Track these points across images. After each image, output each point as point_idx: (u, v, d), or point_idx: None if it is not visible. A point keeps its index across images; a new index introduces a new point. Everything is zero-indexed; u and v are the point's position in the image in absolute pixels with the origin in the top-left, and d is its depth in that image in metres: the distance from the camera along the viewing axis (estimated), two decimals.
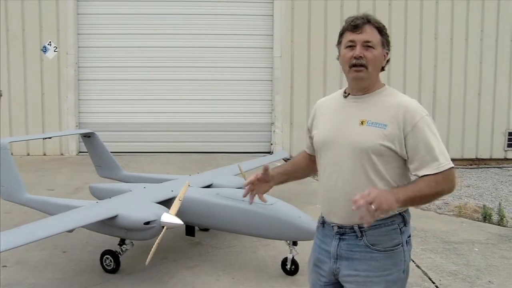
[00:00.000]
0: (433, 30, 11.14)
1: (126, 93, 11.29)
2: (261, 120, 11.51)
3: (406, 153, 2.24)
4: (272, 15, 11.21)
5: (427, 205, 7.39)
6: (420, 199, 2.20)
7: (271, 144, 11.43)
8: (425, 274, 4.82)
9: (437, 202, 7.62)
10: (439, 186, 2.19)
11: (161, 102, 11.34)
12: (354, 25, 2.29)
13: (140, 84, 11.31)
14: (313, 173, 2.70)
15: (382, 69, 2.37)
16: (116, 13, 11.21)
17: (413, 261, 5.09)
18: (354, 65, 2.28)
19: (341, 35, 2.36)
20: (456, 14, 11.10)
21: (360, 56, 2.26)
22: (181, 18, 11.25)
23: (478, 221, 6.74)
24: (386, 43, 2.34)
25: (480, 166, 11.03)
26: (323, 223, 2.47)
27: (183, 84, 11.35)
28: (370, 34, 2.27)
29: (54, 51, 10.99)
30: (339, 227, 2.34)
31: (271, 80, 11.38)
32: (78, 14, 11.10)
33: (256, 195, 2.60)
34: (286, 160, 9.75)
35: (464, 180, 9.47)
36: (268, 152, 11.14)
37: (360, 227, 2.28)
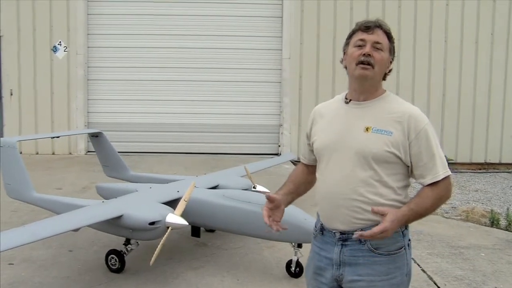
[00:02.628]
0: (443, 32, 11.09)
1: (135, 94, 11.35)
2: (269, 122, 11.51)
3: (410, 160, 2.27)
4: (282, 17, 11.21)
5: None
6: (424, 216, 2.30)
7: (279, 146, 11.43)
8: (431, 278, 4.79)
9: (444, 206, 7.58)
10: (441, 201, 2.29)
11: (169, 102, 11.38)
12: (366, 26, 2.31)
13: (148, 85, 11.37)
14: (314, 184, 2.64)
15: (384, 77, 2.38)
16: (126, 13, 11.27)
17: (419, 265, 5.07)
18: (362, 62, 2.28)
19: (351, 36, 2.37)
20: (466, 16, 11.05)
21: (369, 54, 2.27)
22: (190, 19, 11.30)
23: (485, 226, 6.69)
24: (392, 50, 2.36)
25: (489, 171, 10.95)
26: (321, 230, 2.43)
27: (192, 85, 11.39)
28: (381, 36, 2.30)
29: (64, 51, 11.07)
30: (342, 233, 2.33)
31: (280, 82, 11.39)
32: (88, 14, 11.17)
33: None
34: (293, 162, 9.76)
35: (472, 184, 9.41)
36: (276, 154, 11.14)
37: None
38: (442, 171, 2.26)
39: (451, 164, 11.00)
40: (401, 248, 2.30)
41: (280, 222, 2.46)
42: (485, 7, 11.03)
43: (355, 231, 2.27)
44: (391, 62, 2.37)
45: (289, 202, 2.57)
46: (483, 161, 11.23)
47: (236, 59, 11.40)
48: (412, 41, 10.98)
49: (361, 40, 2.29)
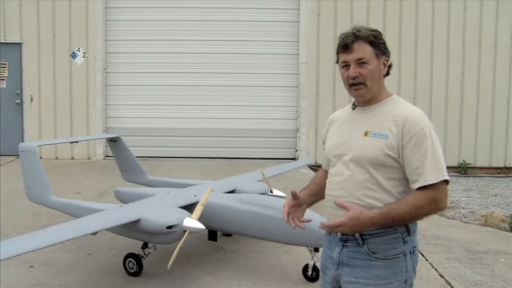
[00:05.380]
0: (461, 36, 10.99)
1: (152, 99, 11.42)
2: (286, 126, 11.51)
3: (403, 163, 2.25)
4: (298, 22, 11.22)
5: (452, 213, 7.29)
6: (400, 223, 2.25)
7: (296, 150, 11.42)
8: (449, 283, 4.75)
9: (463, 210, 7.52)
10: (423, 210, 2.19)
11: (186, 107, 11.44)
12: (343, 46, 2.35)
13: (166, 90, 11.44)
14: None
15: (387, 74, 2.41)
16: (143, 19, 11.36)
17: (436, 270, 5.04)
18: (353, 84, 2.33)
19: (337, 53, 2.42)
20: (484, 19, 10.94)
21: (356, 76, 2.31)
22: (208, 25, 11.35)
23: (505, 231, 6.61)
24: (381, 52, 2.35)
25: (509, 175, 10.81)
26: None
27: (209, 90, 11.43)
28: (360, 51, 2.30)
29: (83, 57, 11.21)
30: (342, 234, 2.35)
31: (297, 87, 11.39)
32: (106, 20, 11.30)
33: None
34: (310, 166, 9.76)
35: (491, 189, 9.31)
36: (293, 159, 11.13)
37: (361, 235, 2.28)
38: (431, 176, 2.17)
39: (470, 169, 10.94)
40: (399, 254, 2.28)
41: (300, 218, 2.48)
42: (504, 9, 10.91)
43: (354, 234, 2.30)
44: (387, 60, 2.38)
45: (311, 203, 2.62)
46: (503, 165, 11.09)
47: (253, 64, 11.41)
48: (430, 44, 10.88)
49: (344, 62, 2.36)
